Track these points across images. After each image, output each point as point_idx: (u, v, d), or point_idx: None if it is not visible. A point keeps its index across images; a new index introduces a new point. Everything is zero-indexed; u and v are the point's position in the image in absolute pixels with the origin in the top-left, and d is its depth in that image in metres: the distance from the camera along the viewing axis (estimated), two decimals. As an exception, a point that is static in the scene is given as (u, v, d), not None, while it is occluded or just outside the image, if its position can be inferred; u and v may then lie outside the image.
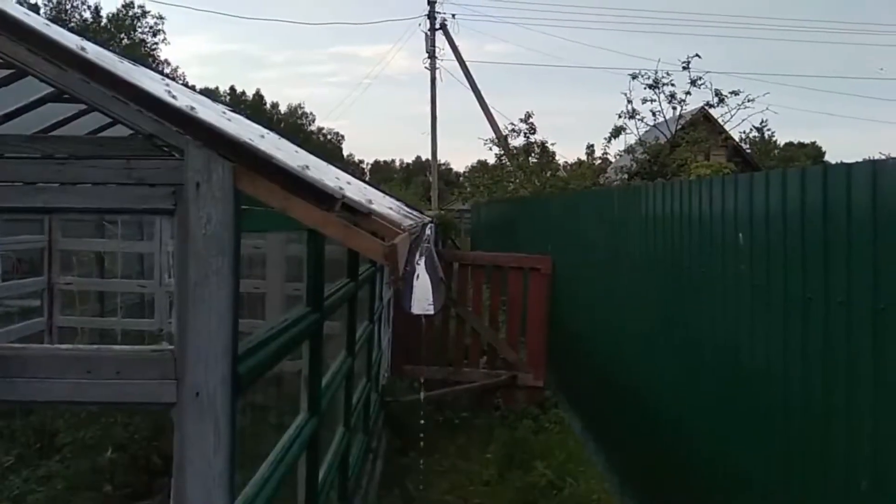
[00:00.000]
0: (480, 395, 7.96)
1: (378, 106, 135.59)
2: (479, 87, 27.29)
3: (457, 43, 29.03)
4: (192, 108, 1.75)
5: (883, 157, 2.54)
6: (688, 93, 18.76)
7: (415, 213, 6.71)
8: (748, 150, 28.63)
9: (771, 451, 3.16)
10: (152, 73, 3.20)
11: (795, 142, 59.37)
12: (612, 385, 5.93)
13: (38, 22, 1.76)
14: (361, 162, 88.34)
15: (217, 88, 64.16)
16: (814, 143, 60.84)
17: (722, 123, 20.67)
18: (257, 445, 2.71)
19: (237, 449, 1.81)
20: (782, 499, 3.07)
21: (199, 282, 1.72)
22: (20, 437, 5.26)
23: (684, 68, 18.52)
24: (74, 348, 1.81)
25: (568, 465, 6.07)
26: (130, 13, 43.82)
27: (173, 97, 1.82)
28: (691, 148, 18.61)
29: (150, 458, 4.71)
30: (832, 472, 2.69)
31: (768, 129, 24.87)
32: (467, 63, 28.13)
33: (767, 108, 19.33)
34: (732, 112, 19.02)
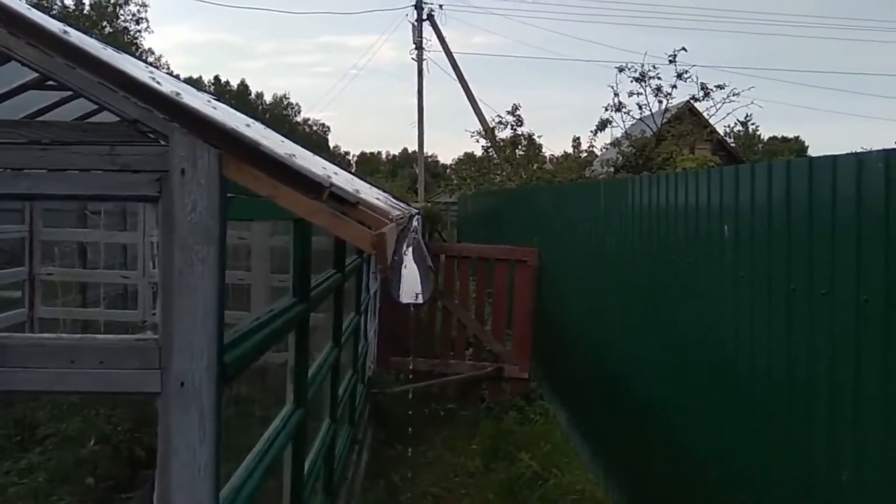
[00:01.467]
0: (466, 386, 7.98)
1: (365, 97, 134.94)
2: (467, 78, 27.26)
3: (444, 34, 28.97)
4: (178, 94, 1.73)
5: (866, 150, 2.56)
6: (674, 86, 18.91)
7: (402, 204, 6.69)
8: (733, 144, 28.83)
9: (754, 440, 3.20)
10: (136, 60, 3.16)
11: (779, 136, 59.83)
12: (597, 376, 5.97)
13: (20, 6, 1.73)
14: (347, 153, 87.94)
15: (201, 78, 63.61)
16: (797, 138, 61.35)
17: (707, 117, 20.83)
18: (243, 437, 2.70)
19: (223, 440, 1.80)
20: (765, 488, 3.10)
21: (184, 270, 1.70)
22: (0, 429, 5.21)
23: (670, 62, 18.66)
24: (57, 337, 1.79)
25: (553, 456, 6.11)
26: (113, 0, 43.24)
27: (158, 84, 1.80)
28: (677, 141, 18.75)
29: (134, 449, 4.68)
30: (815, 461, 2.72)
31: (752, 123, 25.06)
32: (454, 54, 28.09)
33: (752, 103, 19.69)
34: (717, 106, 19.23)
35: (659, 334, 4.54)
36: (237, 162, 1.71)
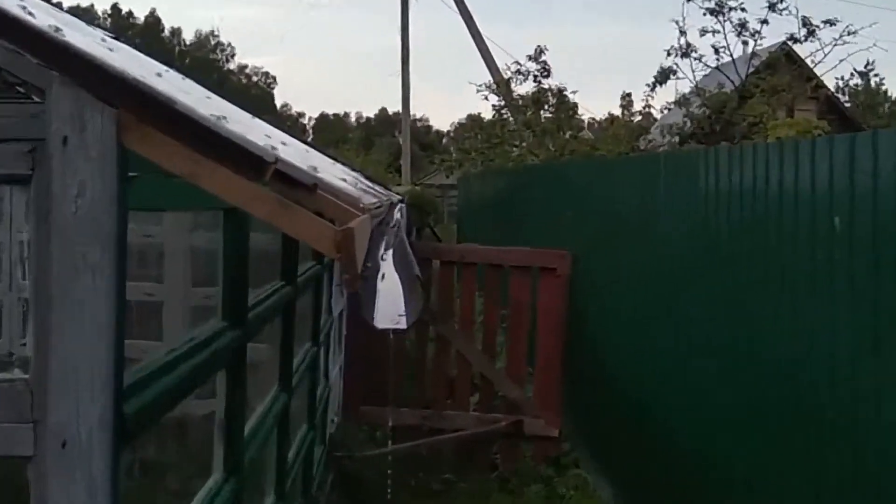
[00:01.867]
0: (470, 448, 8.01)
1: (326, 36, 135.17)
2: (471, 9, 27.34)
3: (438, -54, 29.07)
4: (59, 30, 1.73)
5: None
6: (764, 21, 19.01)
7: (378, 188, 6.72)
8: (847, 103, 28.96)
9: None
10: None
11: (914, 92, 60.11)
12: (658, 434, 5.96)
13: None
14: (301, 115, 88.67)
15: (93, 7, 63.93)
16: (940, 95, 61.71)
17: (811, 65, 20.89)
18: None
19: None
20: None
21: (66, 281, 1.70)
22: None
23: (760, -14, 18.73)
24: None
25: (594, 548, 6.12)
26: None
27: (30, 15, 1.80)
28: (768, 99, 18.78)
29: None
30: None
31: (875, 75, 25.03)
32: (453, -25, 28.15)
33: (875, 45, 19.60)
34: (826, 50, 19.26)
35: (749, 371, 4.53)
36: (142, 126, 1.71)
